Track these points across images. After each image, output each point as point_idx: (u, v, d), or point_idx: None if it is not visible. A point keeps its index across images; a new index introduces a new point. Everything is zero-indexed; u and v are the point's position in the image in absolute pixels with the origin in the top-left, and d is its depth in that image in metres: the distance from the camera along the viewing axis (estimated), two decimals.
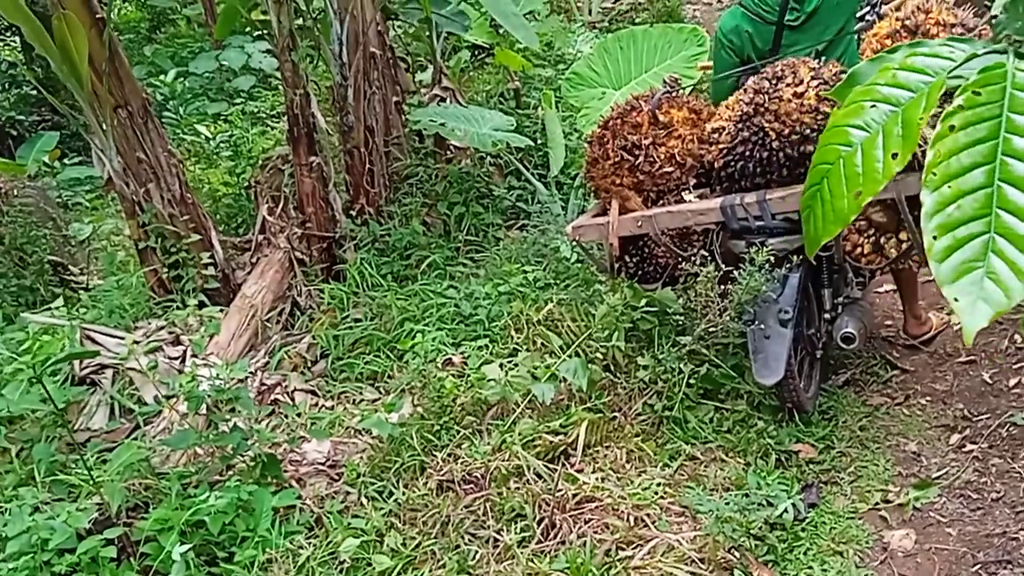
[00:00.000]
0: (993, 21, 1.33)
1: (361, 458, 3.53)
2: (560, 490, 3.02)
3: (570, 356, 3.56)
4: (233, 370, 3.48)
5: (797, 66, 3.27)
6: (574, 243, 3.95)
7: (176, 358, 4.04)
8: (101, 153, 4.63)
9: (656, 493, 3.02)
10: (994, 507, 2.79)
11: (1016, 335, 3.42)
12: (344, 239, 5.13)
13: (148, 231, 4.65)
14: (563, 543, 2.85)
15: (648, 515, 2.91)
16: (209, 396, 3.28)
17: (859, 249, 3.25)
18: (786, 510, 2.84)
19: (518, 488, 3.07)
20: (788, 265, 3.17)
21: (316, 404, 4.09)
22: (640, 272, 3.63)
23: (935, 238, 0.97)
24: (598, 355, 3.59)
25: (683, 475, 3.15)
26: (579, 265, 4.49)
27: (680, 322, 3.53)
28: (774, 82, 3.24)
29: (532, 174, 5.63)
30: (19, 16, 4.22)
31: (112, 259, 5.63)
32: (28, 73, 7.93)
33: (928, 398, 3.42)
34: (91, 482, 3.12)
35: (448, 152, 5.70)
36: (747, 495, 2.89)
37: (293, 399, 4.07)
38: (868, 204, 3.18)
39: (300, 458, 3.58)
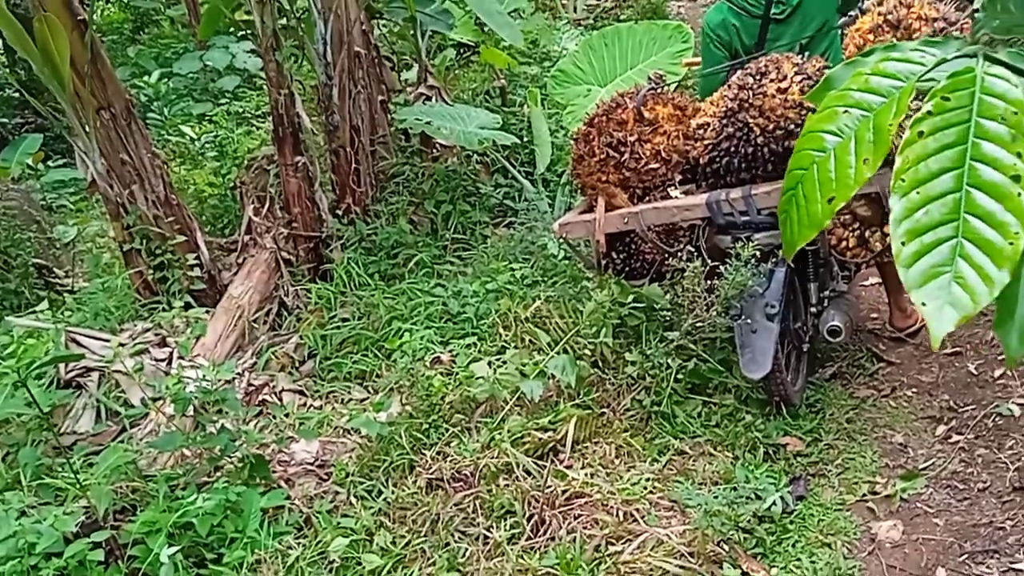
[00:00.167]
0: (974, 15, 1.34)
1: (350, 457, 3.52)
2: (549, 486, 3.02)
3: (558, 353, 3.56)
4: (220, 371, 3.47)
5: (781, 62, 3.28)
6: (561, 240, 3.95)
7: (162, 360, 4.02)
8: (84, 155, 4.61)
9: (645, 488, 3.03)
10: (980, 497, 2.81)
11: None
12: (331, 239, 5.12)
13: (133, 233, 4.62)
14: (553, 539, 2.85)
15: (637, 510, 2.92)
16: (196, 398, 3.26)
17: (844, 243, 3.27)
18: (774, 503, 2.85)
19: (507, 485, 3.07)
20: (774, 260, 3.18)
21: (304, 404, 4.07)
22: (627, 268, 3.63)
23: (903, 244, 0.99)
24: (586, 351, 3.60)
25: (672, 470, 3.16)
26: (566, 262, 4.49)
27: (667, 318, 3.54)
28: (758, 78, 3.25)
29: (519, 172, 5.63)
30: (0, 19, 4.18)
31: (97, 261, 5.60)
32: (10, 76, 7.87)
33: (914, 390, 3.44)
34: (78, 485, 3.10)
35: (434, 151, 5.69)
36: (735, 488, 2.90)
37: (281, 399, 4.06)
38: (853, 198, 3.22)
39: (288, 458, 3.57)
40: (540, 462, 3.18)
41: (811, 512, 2.88)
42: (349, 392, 4.09)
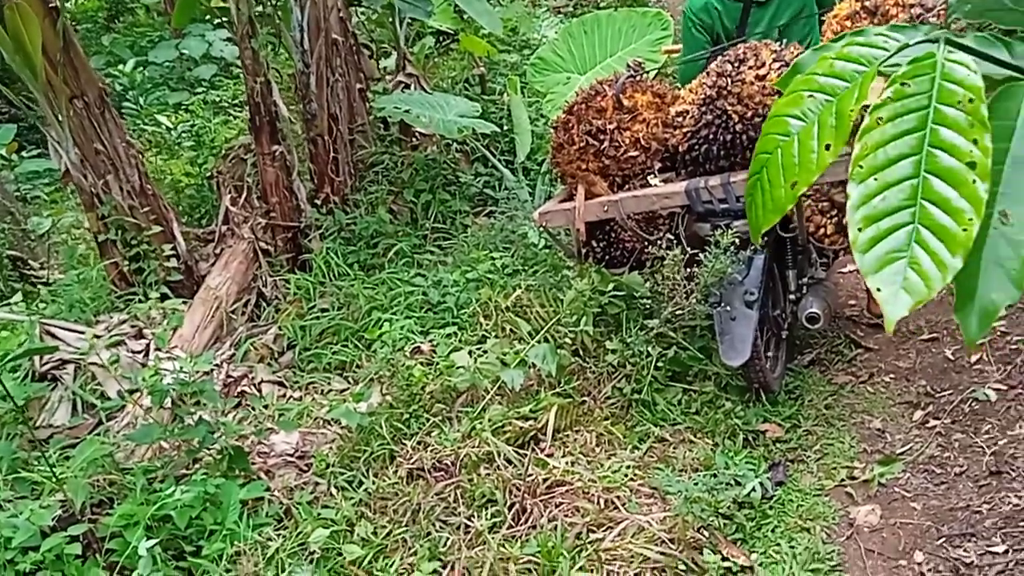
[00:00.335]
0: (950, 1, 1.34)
1: (330, 448, 3.50)
2: (530, 475, 3.02)
3: (539, 342, 3.56)
4: (198, 363, 3.44)
5: (759, 48, 3.28)
6: (541, 229, 3.94)
7: (139, 352, 3.98)
8: (57, 145, 4.54)
9: (626, 475, 3.04)
10: (957, 481, 2.83)
11: None
12: (309, 229, 5.08)
13: (108, 223, 4.57)
14: (534, 527, 2.85)
15: (618, 497, 2.92)
16: (174, 390, 3.23)
17: (822, 230, 3.28)
18: (754, 489, 2.87)
19: (488, 474, 3.07)
20: (753, 247, 3.19)
21: (284, 395, 4.05)
22: (607, 257, 3.63)
23: (860, 230, 0.99)
24: (567, 340, 3.59)
25: (652, 457, 3.17)
26: (547, 251, 4.48)
27: (647, 306, 3.55)
28: (736, 65, 3.25)
29: (499, 160, 5.61)
30: None
31: (72, 253, 5.53)
32: None
33: (892, 376, 3.47)
34: (54, 479, 3.06)
35: (414, 139, 5.66)
36: (715, 475, 2.91)
37: (260, 391, 4.03)
38: (831, 185, 3.23)
39: (268, 450, 3.54)
40: (521, 451, 3.18)
41: (790, 498, 2.90)
42: (329, 383, 4.07)
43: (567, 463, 3.10)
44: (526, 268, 4.41)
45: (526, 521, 2.89)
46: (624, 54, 5.33)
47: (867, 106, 1.05)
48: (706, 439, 3.20)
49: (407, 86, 5.80)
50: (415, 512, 2.97)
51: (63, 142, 4.53)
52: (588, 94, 3.57)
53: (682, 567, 2.64)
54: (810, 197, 3.21)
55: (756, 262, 3.21)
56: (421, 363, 3.73)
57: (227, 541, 2.89)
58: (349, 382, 4.04)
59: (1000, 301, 1.00)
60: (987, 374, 3.27)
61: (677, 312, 3.33)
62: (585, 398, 3.44)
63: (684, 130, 3.36)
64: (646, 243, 3.43)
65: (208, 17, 7.71)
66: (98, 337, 3.93)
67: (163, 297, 4.33)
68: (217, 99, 7.58)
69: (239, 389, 3.99)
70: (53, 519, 2.87)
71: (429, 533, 2.89)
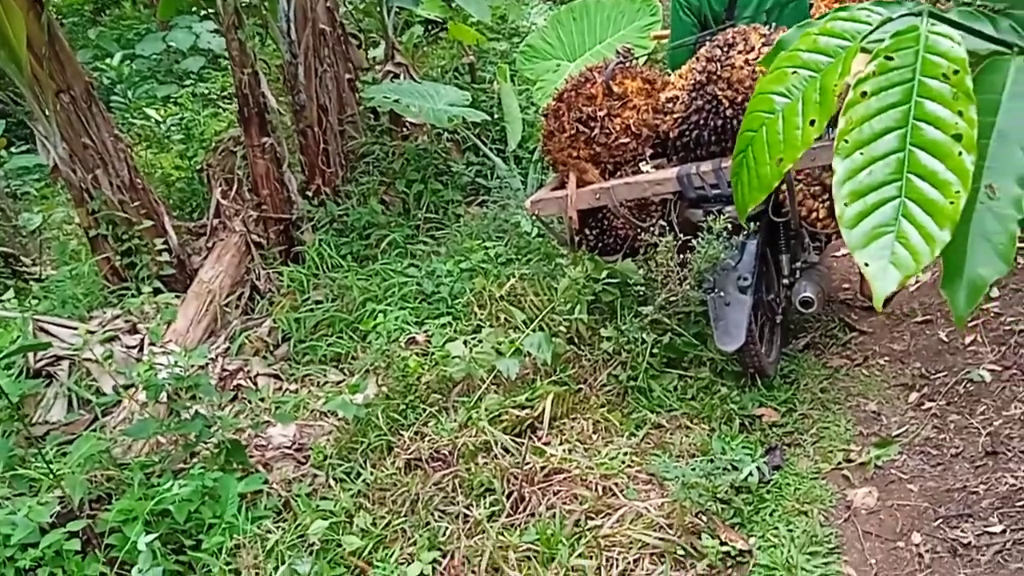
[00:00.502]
0: None
1: (327, 440, 3.51)
2: (528, 463, 3.03)
3: (534, 331, 3.56)
4: (192, 357, 3.44)
5: (748, 33, 3.27)
6: (534, 217, 3.93)
7: (133, 347, 3.97)
8: (45, 140, 4.52)
9: (623, 462, 3.05)
10: (953, 462, 2.85)
11: None
12: (301, 220, 5.07)
13: (98, 218, 4.55)
14: (532, 515, 2.86)
15: (616, 484, 2.94)
16: (169, 384, 3.23)
17: (815, 214, 3.27)
18: (751, 473, 2.88)
19: (486, 463, 3.08)
20: (746, 232, 3.19)
21: (280, 388, 4.05)
22: (600, 244, 3.62)
23: (846, 205, 0.99)
24: (561, 328, 3.60)
25: (649, 443, 3.18)
26: (540, 239, 4.48)
27: (641, 292, 3.55)
28: (726, 49, 3.24)
29: (490, 149, 5.59)
30: None
31: (64, 248, 5.51)
32: None
33: (886, 358, 3.48)
34: (52, 475, 3.06)
35: (404, 129, 5.64)
36: (712, 460, 2.92)
37: (256, 384, 4.03)
38: (822, 168, 3.23)
39: (266, 443, 3.55)
40: (518, 439, 3.18)
41: (787, 481, 2.91)
42: (325, 375, 4.07)
43: (564, 451, 3.11)
44: (519, 257, 4.40)
45: (524, 509, 2.90)
46: (613, 40, 5.31)
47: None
48: (702, 425, 3.21)
49: (396, 75, 5.77)
50: (413, 502, 2.98)
51: (51, 137, 4.50)
52: (578, 81, 3.56)
53: (680, 552, 2.66)
54: (802, 181, 3.21)
55: (749, 247, 3.21)
56: (416, 354, 3.73)
57: (226, 534, 2.89)
58: (345, 374, 4.04)
59: (988, 276, 1.00)
60: (981, 355, 3.28)
61: (671, 299, 3.33)
62: (581, 386, 3.44)
63: (674, 116, 3.35)
64: (639, 230, 3.42)
65: (194, 9, 7.66)
66: (92, 333, 3.92)
67: (156, 292, 4.32)
68: (206, 91, 7.53)
69: (235, 383, 3.98)
70: (52, 516, 2.88)
71: (428, 523, 2.90)
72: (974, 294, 1.01)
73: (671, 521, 2.74)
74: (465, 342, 3.66)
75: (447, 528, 2.86)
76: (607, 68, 3.53)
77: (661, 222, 3.38)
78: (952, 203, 0.94)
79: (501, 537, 2.76)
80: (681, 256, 3.26)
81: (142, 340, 4.02)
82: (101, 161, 4.58)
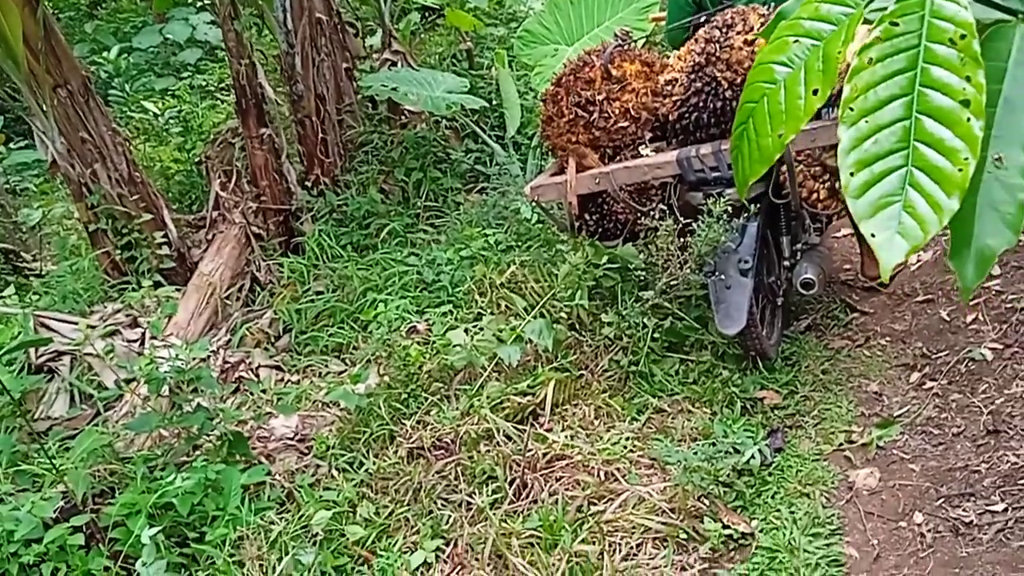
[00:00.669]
0: None
1: (330, 431, 3.51)
2: (530, 450, 3.03)
3: (535, 317, 3.56)
4: (193, 350, 3.43)
5: (747, 13, 3.25)
6: (534, 204, 3.92)
7: (134, 341, 3.98)
8: (43, 135, 4.51)
9: (625, 447, 3.05)
10: (955, 441, 2.84)
11: None
12: (301, 211, 5.06)
13: (97, 213, 4.55)
14: (535, 502, 2.87)
15: (618, 469, 2.93)
16: (170, 377, 3.23)
17: (815, 195, 3.25)
18: (753, 456, 2.87)
19: (488, 451, 3.08)
20: (746, 214, 3.17)
21: (282, 379, 4.05)
22: (600, 229, 3.61)
23: (852, 174, 0.97)
24: (562, 315, 3.59)
25: (651, 428, 3.18)
26: (540, 226, 4.47)
27: (642, 277, 3.54)
28: (725, 31, 3.21)
29: (489, 136, 5.57)
30: None
31: (64, 244, 5.51)
32: None
33: (888, 338, 3.46)
34: (55, 471, 3.07)
35: (402, 117, 5.62)
36: (714, 444, 2.92)
37: (258, 375, 4.03)
38: (823, 149, 3.21)
39: (268, 434, 3.55)
40: (520, 426, 3.18)
41: (789, 464, 2.90)
42: (326, 365, 4.07)
43: (566, 437, 3.10)
44: (519, 244, 4.39)
45: (527, 496, 2.90)
46: (611, 23, 5.27)
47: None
48: (704, 408, 3.21)
49: (394, 63, 5.74)
50: (416, 491, 2.99)
51: (48, 132, 4.49)
52: (576, 65, 3.54)
53: (683, 536, 2.66)
54: (802, 162, 3.19)
55: (750, 230, 3.19)
56: (417, 343, 3.72)
57: (230, 526, 2.90)
58: (346, 364, 4.04)
59: (996, 246, 0.98)
60: (983, 334, 3.27)
61: (672, 283, 3.31)
62: (582, 372, 3.44)
63: (674, 98, 3.33)
64: (639, 214, 3.41)
65: (190, 0, 7.64)
66: (93, 327, 3.93)
67: (156, 285, 4.31)
68: (203, 83, 7.51)
69: (236, 375, 3.99)
70: (55, 511, 2.88)
71: (431, 511, 2.90)
72: (982, 265, 0.99)
73: (673, 505, 2.74)
74: (466, 330, 3.66)
75: (450, 516, 2.87)
76: (605, 51, 3.51)
77: (661, 206, 3.36)
78: (960, 170, 0.92)
79: (504, 524, 2.76)
80: (681, 240, 3.25)
81: (143, 334, 4.02)
82: (99, 155, 4.57)
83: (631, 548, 2.65)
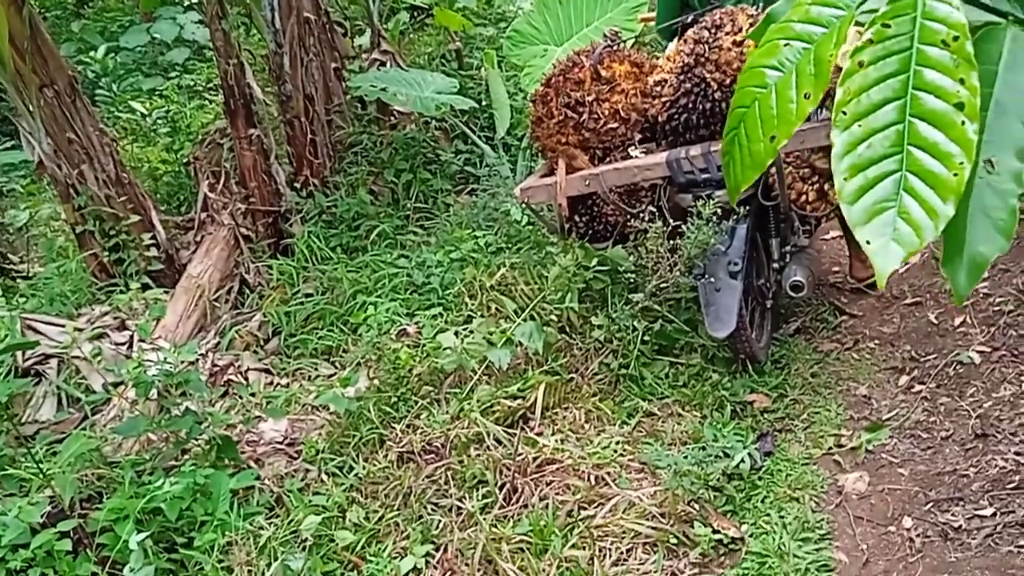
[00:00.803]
0: None
1: (319, 434, 3.49)
2: (520, 454, 3.02)
3: (525, 320, 3.55)
4: (182, 353, 3.42)
5: (735, 14, 3.25)
6: (524, 205, 3.91)
7: (122, 344, 3.95)
8: (30, 136, 4.48)
9: (615, 451, 3.04)
10: (944, 445, 2.85)
11: None
12: (290, 213, 5.04)
13: (85, 214, 4.52)
14: (525, 507, 2.86)
15: (608, 473, 2.93)
16: (159, 381, 3.21)
17: (804, 197, 3.26)
18: (742, 460, 2.87)
19: (478, 455, 3.07)
20: (735, 217, 3.17)
21: (271, 383, 4.03)
22: (590, 231, 3.60)
23: (846, 179, 0.95)
24: (553, 317, 3.58)
25: (641, 432, 3.18)
26: (530, 227, 4.46)
27: (632, 280, 3.53)
28: (713, 31, 3.22)
29: (479, 136, 5.56)
30: None
31: (51, 245, 5.47)
32: None
33: (876, 341, 3.47)
34: (42, 475, 3.05)
35: (392, 118, 5.60)
36: (704, 448, 2.92)
37: (247, 379, 4.01)
38: (811, 151, 3.21)
39: (257, 438, 3.53)
40: (510, 430, 3.18)
41: (779, 467, 2.91)
42: (316, 368, 4.05)
43: (556, 441, 3.10)
44: (510, 246, 4.38)
45: (517, 500, 2.89)
46: (600, 23, 5.27)
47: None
48: (694, 412, 3.21)
49: (383, 63, 5.73)
50: (406, 496, 2.98)
51: (35, 132, 4.46)
52: (566, 66, 3.53)
53: (673, 541, 2.66)
54: (791, 164, 3.19)
55: (739, 232, 3.19)
56: (407, 346, 3.71)
57: (218, 531, 2.88)
58: (336, 367, 4.03)
59: (989, 253, 0.97)
60: (971, 337, 3.28)
61: (662, 285, 3.31)
62: (573, 375, 3.43)
63: (663, 99, 3.33)
64: (629, 216, 3.40)
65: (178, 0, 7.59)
66: (80, 330, 3.90)
67: (144, 287, 4.29)
68: (191, 83, 7.47)
69: (225, 378, 3.97)
70: (42, 515, 2.86)
71: (421, 516, 2.89)
72: (975, 272, 0.98)
73: (663, 510, 2.74)
74: (456, 333, 3.65)
75: (440, 521, 2.86)
76: (595, 52, 3.50)
77: (651, 208, 3.35)
78: (956, 175, 0.90)
79: (494, 529, 2.76)
80: (671, 242, 3.25)
81: (131, 337, 4.00)
82: (87, 156, 4.54)
83: (621, 553, 2.64)
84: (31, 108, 4.40)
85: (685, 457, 2.87)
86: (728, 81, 3.14)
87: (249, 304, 4.63)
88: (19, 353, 3.85)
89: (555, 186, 3.45)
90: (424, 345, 3.69)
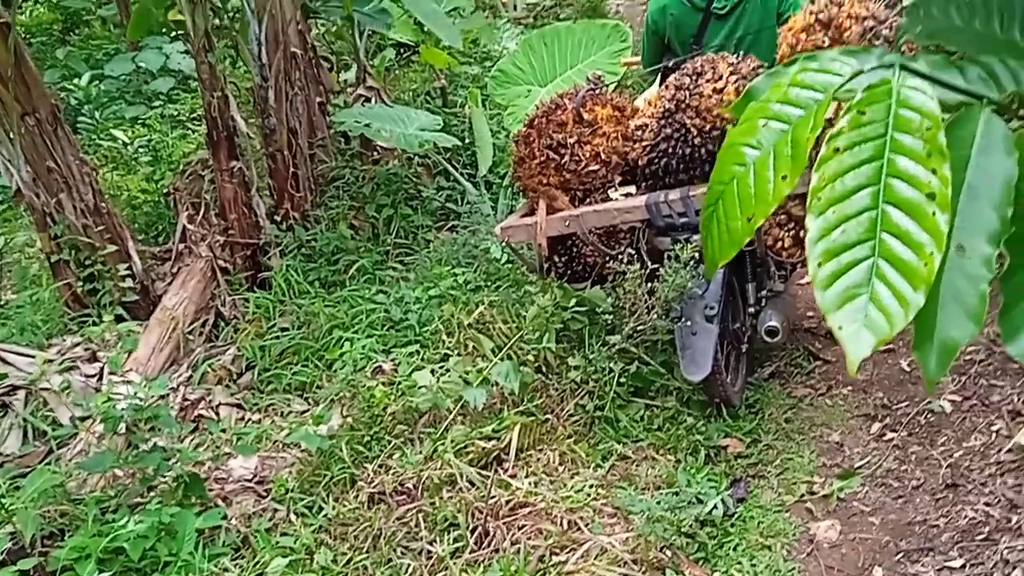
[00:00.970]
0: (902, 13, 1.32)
1: (290, 473, 3.44)
2: (493, 497, 2.99)
3: (502, 359, 3.53)
4: (153, 387, 3.37)
5: (716, 61, 3.30)
6: (504, 244, 3.92)
7: (92, 376, 3.89)
8: (8, 163, 4.44)
9: (589, 495, 3.02)
10: (914, 495, 2.85)
11: None
12: (269, 246, 5.01)
13: (61, 243, 4.47)
14: (497, 551, 2.82)
15: (581, 518, 2.91)
16: (128, 415, 3.16)
17: (780, 243, 3.28)
18: (715, 506, 2.86)
19: (451, 497, 3.04)
20: None
21: (242, 418, 3.98)
22: (569, 272, 3.62)
23: (820, 264, 0.96)
24: (530, 357, 3.58)
25: (615, 475, 3.16)
26: (509, 266, 4.46)
27: (609, 321, 3.53)
28: (694, 78, 3.26)
29: (461, 174, 5.58)
30: None
31: (24, 273, 5.41)
32: None
33: (849, 388, 3.49)
34: (3, 510, 2.98)
35: (375, 153, 5.62)
36: (677, 493, 2.90)
37: (218, 414, 3.95)
38: (788, 197, 3.24)
39: (226, 475, 3.47)
40: (484, 472, 3.15)
41: (751, 514, 2.90)
42: (289, 405, 4.01)
43: (530, 483, 3.07)
44: (488, 284, 4.38)
45: (488, 545, 2.86)
46: (584, 66, 5.34)
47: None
48: (668, 456, 3.20)
49: (368, 99, 5.75)
50: (376, 538, 2.93)
51: (14, 160, 4.43)
52: (549, 107, 3.56)
53: None
54: None
55: (716, 276, 3.21)
56: (383, 383, 3.68)
57: (182, 573, 2.82)
58: (309, 403, 3.98)
59: (959, 338, 0.97)
60: (942, 385, 3.30)
61: (639, 327, 3.32)
62: (548, 416, 3.42)
63: (644, 143, 3.37)
64: (607, 258, 3.42)
65: (165, 30, 7.60)
66: (50, 361, 3.84)
67: (118, 319, 4.24)
68: (175, 113, 7.46)
69: (196, 413, 3.91)
70: (2, 552, 2.80)
71: (390, 560, 2.85)
72: (945, 357, 0.98)
73: (636, 556, 2.71)
74: (432, 371, 3.63)
75: (409, 565, 2.82)
76: (577, 95, 3.54)
77: (630, 250, 3.37)
78: (926, 264, 0.92)
79: (464, 574, 2.72)
80: (649, 284, 3.26)
81: (101, 369, 3.94)
82: (65, 185, 4.51)
83: None
84: (11, 136, 4.37)
85: (658, 502, 2.85)
86: (708, 127, 3.18)
87: (224, 337, 4.58)
88: None
89: (535, 226, 3.46)
90: (399, 383, 3.66)
